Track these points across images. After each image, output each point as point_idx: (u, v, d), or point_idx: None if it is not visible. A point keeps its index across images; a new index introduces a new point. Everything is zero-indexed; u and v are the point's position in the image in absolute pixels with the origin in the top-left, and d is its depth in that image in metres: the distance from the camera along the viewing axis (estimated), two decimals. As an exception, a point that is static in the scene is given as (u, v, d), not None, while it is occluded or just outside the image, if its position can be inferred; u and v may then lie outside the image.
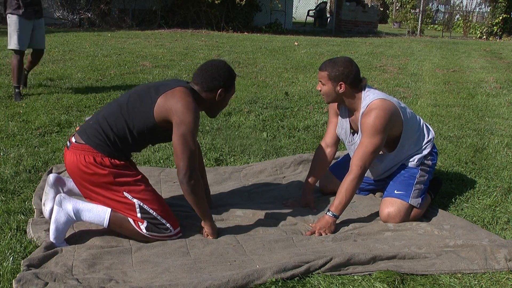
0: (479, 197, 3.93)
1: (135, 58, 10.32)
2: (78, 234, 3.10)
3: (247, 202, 3.70)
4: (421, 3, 23.21)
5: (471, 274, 2.81)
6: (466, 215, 3.60)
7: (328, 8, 25.45)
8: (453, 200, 3.86)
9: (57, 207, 2.96)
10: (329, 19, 24.01)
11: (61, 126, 5.29)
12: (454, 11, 26.69)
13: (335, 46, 15.07)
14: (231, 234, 3.18)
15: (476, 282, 2.74)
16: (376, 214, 3.53)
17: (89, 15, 16.90)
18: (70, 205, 2.98)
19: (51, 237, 2.93)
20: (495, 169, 4.55)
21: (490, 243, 3.01)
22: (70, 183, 3.36)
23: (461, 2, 27.46)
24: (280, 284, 2.62)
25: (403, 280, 2.72)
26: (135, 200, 3.01)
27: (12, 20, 6.27)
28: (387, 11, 33.23)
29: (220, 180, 4.06)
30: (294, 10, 24.39)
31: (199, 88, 3.15)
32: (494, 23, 21.68)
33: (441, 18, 28.13)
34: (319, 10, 24.42)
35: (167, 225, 3.06)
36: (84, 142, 3.03)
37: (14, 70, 6.40)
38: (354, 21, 22.61)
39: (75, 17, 16.97)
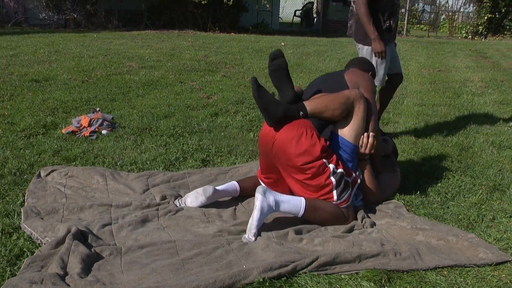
0: (464, 195, 3.96)
1: (121, 59, 10.28)
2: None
3: (233, 203, 3.70)
4: (407, 3, 23.31)
5: (457, 272, 2.83)
6: (452, 213, 3.62)
7: (314, 8, 25.51)
8: (438, 198, 3.88)
9: (262, 196, 3.14)
10: (315, 20, 24.07)
11: (46, 127, 5.26)
12: (440, 11, 26.82)
13: (322, 46, 15.11)
14: (218, 235, 3.17)
15: (462, 279, 2.76)
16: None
17: (75, 15, 16.82)
18: (272, 196, 3.18)
19: (254, 224, 3.10)
20: (481, 168, 4.58)
21: (468, 243, 3.08)
22: (218, 196, 3.64)
23: (447, 2, 27.59)
24: (267, 284, 2.63)
25: (390, 278, 2.73)
26: (330, 165, 3.29)
27: (371, 53, 5.12)
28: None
29: (206, 181, 4.05)
30: (280, 11, 24.44)
31: (357, 69, 3.87)
32: (479, 23, 21.82)
33: (427, 18, 28.27)
34: (306, 11, 24.47)
35: (347, 179, 3.39)
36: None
37: None
38: (341, 21, 22.67)
39: (61, 17, 16.88)
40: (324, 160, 3.27)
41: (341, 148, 3.45)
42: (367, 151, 3.50)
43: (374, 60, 5.05)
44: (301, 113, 3.31)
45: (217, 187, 3.63)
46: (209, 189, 3.56)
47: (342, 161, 3.41)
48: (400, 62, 5.50)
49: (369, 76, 3.78)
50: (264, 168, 3.61)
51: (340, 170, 3.32)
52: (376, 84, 5.13)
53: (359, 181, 3.52)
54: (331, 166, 3.29)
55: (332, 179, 3.28)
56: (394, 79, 5.45)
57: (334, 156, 3.35)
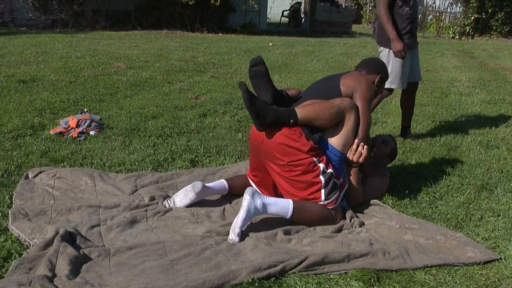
0: (453, 195, 3.98)
1: (109, 59, 10.24)
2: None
3: (222, 203, 3.70)
4: (395, 4, 23.33)
5: (446, 271, 2.84)
6: (440, 212, 3.64)
7: (302, 8, 25.53)
8: (427, 197, 3.90)
9: (250, 198, 3.16)
10: (303, 20, 24.10)
11: (34, 129, 5.22)
12: (427, 12, 26.95)
13: (310, 46, 15.14)
14: (206, 235, 3.17)
15: (450, 278, 2.77)
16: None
17: (62, 16, 16.73)
18: (260, 199, 3.19)
19: (238, 224, 3.10)
20: (468, 167, 4.60)
21: (456, 242, 3.10)
22: (207, 194, 3.65)
23: (434, 2, 27.74)
24: (256, 284, 2.62)
25: (379, 278, 2.73)
26: (320, 164, 3.32)
27: (388, 56, 5.16)
28: (361, 11, 33.45)
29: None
30: (268, 11, 24.44)
31: (365, 72, 3.87)
32: (466, 23, 21.96)
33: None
34: (294, 11, 24.47)
35: (336, 181, 3.38)
36: None
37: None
38: (329, 22, 22.74)
39: (48, 18, 16.78)
40: (314, 159, 3.29)
41: (329, 154, 3.45)
42: (354, 159, 3.50)
43: (390, 65, 5.07)
44: (291, 120, 3.31)
45: (206, 184, 3.63)
46: (198, 185, 3.56)
47: (332, 164, 3.42)
48: (420, 71, 5.48)
49: (368, 82, 3.67)
50: (253, 166, 3.63)
51: (330, 170, 3.34)
52: (394, 88, 5.17)
53: (347, 185, 3.53)
54: (321, 165, 3.30)
55: (321, 178, 3.29)
56: (409, 87, 5.43)
57: (324, 157, 3.36)
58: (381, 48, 5.26)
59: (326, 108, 3.36)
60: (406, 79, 5.23)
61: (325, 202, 3.33)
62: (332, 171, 3.35)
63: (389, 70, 4.95)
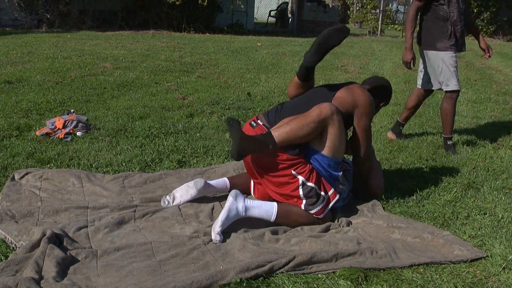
0: (439, 193, 4.00)
1: (95, 59, 10.19)
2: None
3: (212, 202, 3.69)
4: (381, 4, 23.48)
5: (433, 269, 2.85)
6: (427, 211, 3.65)
7: (289, 8, 25.56)
8: (414, 196, 3.91)
9: (232, 199, 3.18)
10: (290, 20, 24.13)
11: (20, 130, 5.18)
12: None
13: (297, 46, 15.15)
14: (194, 236, 3.16)
15: (437, 276, 2.79)
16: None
17: (48, 16, 16.63)
18: (242, 202, 3.21)
19: (218, 223, 3.10)
20: (455, 166, 4.63)
21: (443, 240, 3.12)
22: (208, 191, 3.65)
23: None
24: (244, 284, 2.63)
25: (367, 277, 2.74)
26: (299, 177, 3.28)
27: (449, 57, 5.02)
28: (348, 11, 33.50)
29: (183, 182, 4.02)
30: (255, 11, 24.43)
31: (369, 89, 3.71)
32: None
33: (401, 18, 28.51)
34: (281, 11, 24.50)
35: (322, 193, 3.32)
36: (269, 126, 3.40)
37: (449, 117, 5.12)
38: (316, 22, 22.76)
39: (34, 18, 16.68)
40: (293, 172, 3.27)
41: (319, 162, 3.36)
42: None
43: (440, 66, 5.00)
44: (270, 146, 3.20)
45: (208, 181, 3.62)
46: (200, 181, 3.55)
47: (319, 175, 3.36)
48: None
49: (370, 99, 3.50)
50: (247, 169, 3.61)
51: (310, 184, 3.28)
52: (450, 89, 5.01)
53: (337, 197, 3.40)
54: (301, 178, 3.27)
55: (300, 191, 3.28)
56: (427, 92, 5.38)
57: (307, 169, 3.29)
58: (427, 51, 5.10)
59: (304, 124, 3.21)
60: (458, 79, 5.08)
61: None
62: (312, 185, 3.28)
63: (438, 71, 5.01)
